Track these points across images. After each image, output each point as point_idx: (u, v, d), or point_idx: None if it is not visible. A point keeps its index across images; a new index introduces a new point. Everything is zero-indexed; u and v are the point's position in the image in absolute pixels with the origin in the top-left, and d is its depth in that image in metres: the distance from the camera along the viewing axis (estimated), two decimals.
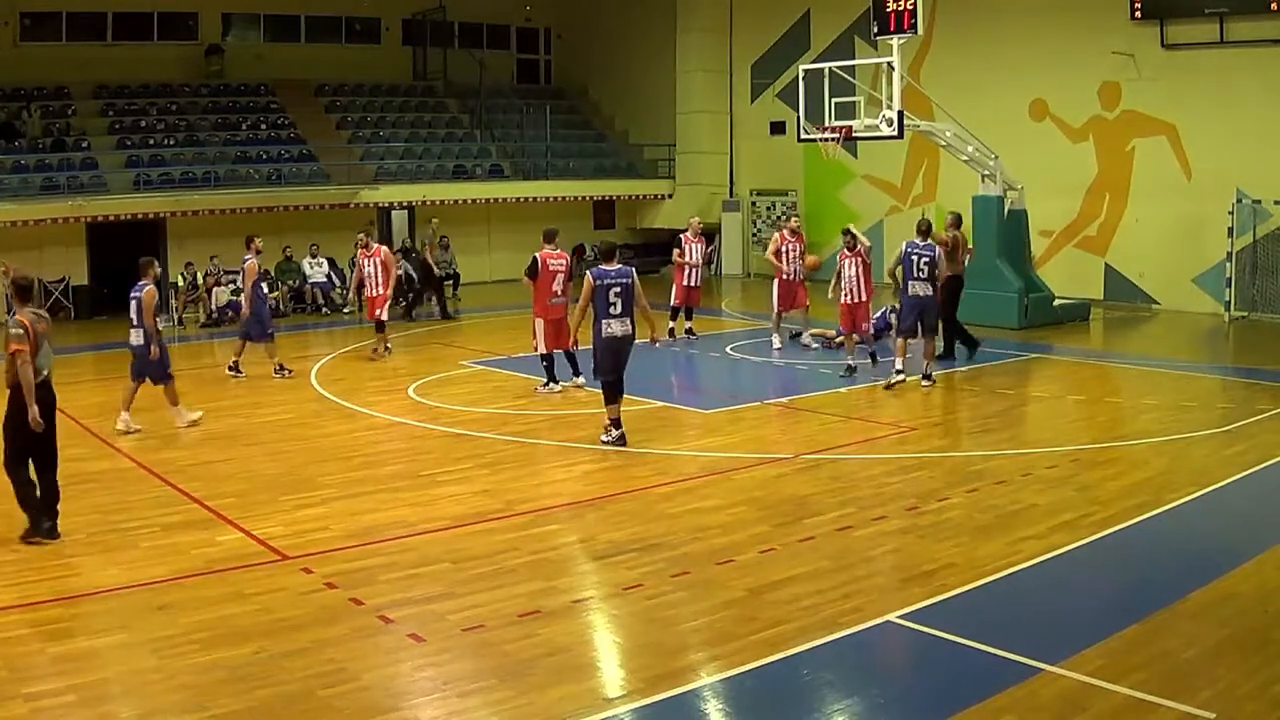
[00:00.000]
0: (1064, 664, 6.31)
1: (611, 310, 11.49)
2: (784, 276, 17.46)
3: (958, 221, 16.61)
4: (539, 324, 14.31)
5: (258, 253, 16.11)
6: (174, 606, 7.45)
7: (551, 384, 14.46)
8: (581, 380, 14.37)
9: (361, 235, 18.09)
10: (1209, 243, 20.76)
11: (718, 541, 8.72)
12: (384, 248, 18.04)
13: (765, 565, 8.16)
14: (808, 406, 13.73)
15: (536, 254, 14.33)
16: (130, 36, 27.19)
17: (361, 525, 9.26)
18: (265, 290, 16.50)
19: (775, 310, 17.63)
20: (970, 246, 17.87)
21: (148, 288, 12.69)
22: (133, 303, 12.75)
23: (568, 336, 14.19)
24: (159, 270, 13.27)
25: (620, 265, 11.77)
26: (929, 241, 14.52)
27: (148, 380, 12.81)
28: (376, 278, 17.40)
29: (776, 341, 17.63)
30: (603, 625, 7.34)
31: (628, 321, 11.60)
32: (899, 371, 14.55)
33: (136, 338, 12.79)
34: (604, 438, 11.73)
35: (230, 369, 16.07)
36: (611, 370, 11.62)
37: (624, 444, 11.63)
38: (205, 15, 28.34)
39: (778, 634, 6.88)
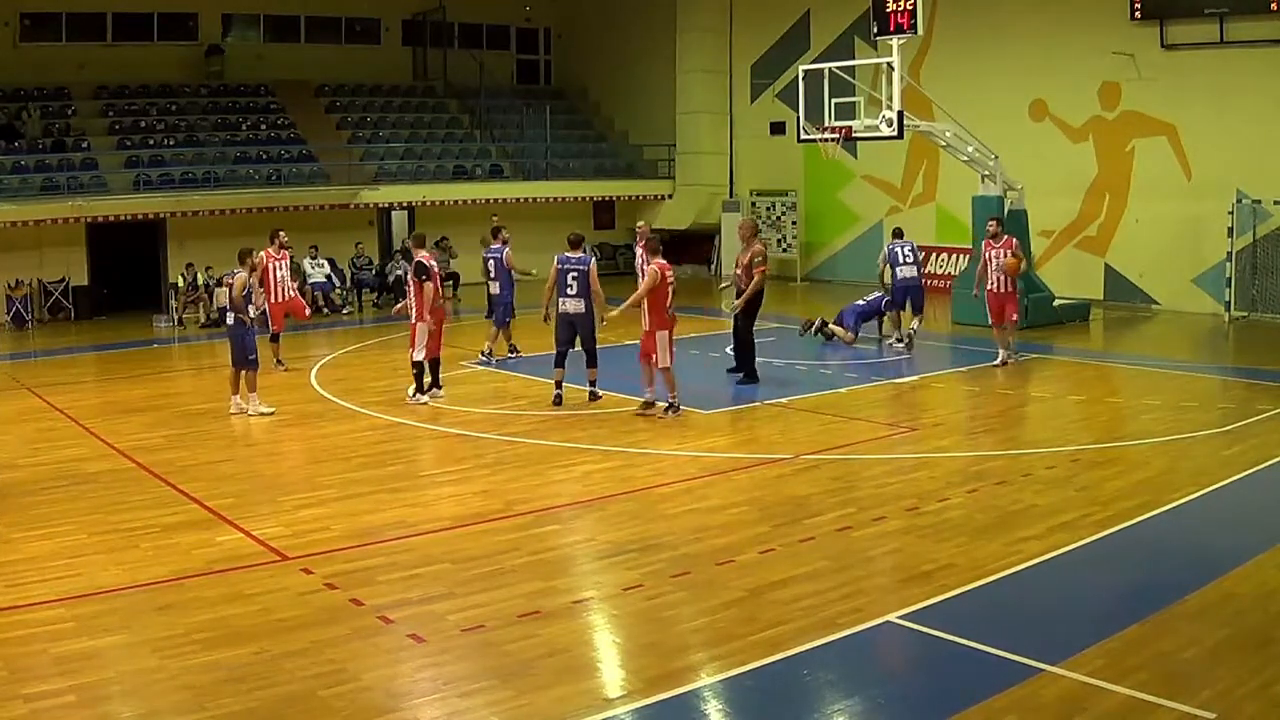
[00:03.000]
0: (1064, 664, 6.31)
1: (567, 290, 13.42)
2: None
3: (755, 229, 16.54)
4: (420, 329, 13.79)
5: (505, 243, 16.62)
6: (174, 607, 7.46)
7: (419, 394, 14.01)
8: (441, 394, 14.17)
9: (283, 234, 17.20)
10: (1209, 243, 20.76)
11: (718, 542, 8.71)
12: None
13: (765, 565, 8.16)
14: (808, 407, 13.73)
15: (424, 258, 14.02)
16: (130, 37, 27.21)
17: (361, 526, 9.26)
18: (512, 277, 16.80)
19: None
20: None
21: (239, 274, 13.53)
22: (227, 289, 13.74)
23: (438, 343, 14.24)
24: (256, 259, 13.98)
25: (581, 254, 13.51)
26: (906, 239, 18.08)
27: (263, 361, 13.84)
28: (287, 283, 16.83)
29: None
30: (603, 626, 7.33)
31: (581, 301, 13.40)
32: (899, 340, 17.58)
33: (230, 320, 13.65)
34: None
35: (511, 351, 17.13)
36: (564, 342, 13.58)
37: (559, 404, 13.53)
38: (205, 15, 28.35)
39: (778, 634, 6.88)
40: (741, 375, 15.06)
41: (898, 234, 18.36)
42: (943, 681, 6.37)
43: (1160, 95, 21.62)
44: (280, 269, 16.73)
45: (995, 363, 16.03)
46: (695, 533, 8.94)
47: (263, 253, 16.52)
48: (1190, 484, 10.09)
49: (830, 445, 11.82)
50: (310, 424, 13.41)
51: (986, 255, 16.31)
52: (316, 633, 7.00)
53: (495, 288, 16.84)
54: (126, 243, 24.35)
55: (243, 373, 13.57)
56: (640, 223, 18.99)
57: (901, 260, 17.58)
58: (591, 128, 33.30)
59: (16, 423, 13.53)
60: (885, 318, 18.37)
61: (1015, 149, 21.22)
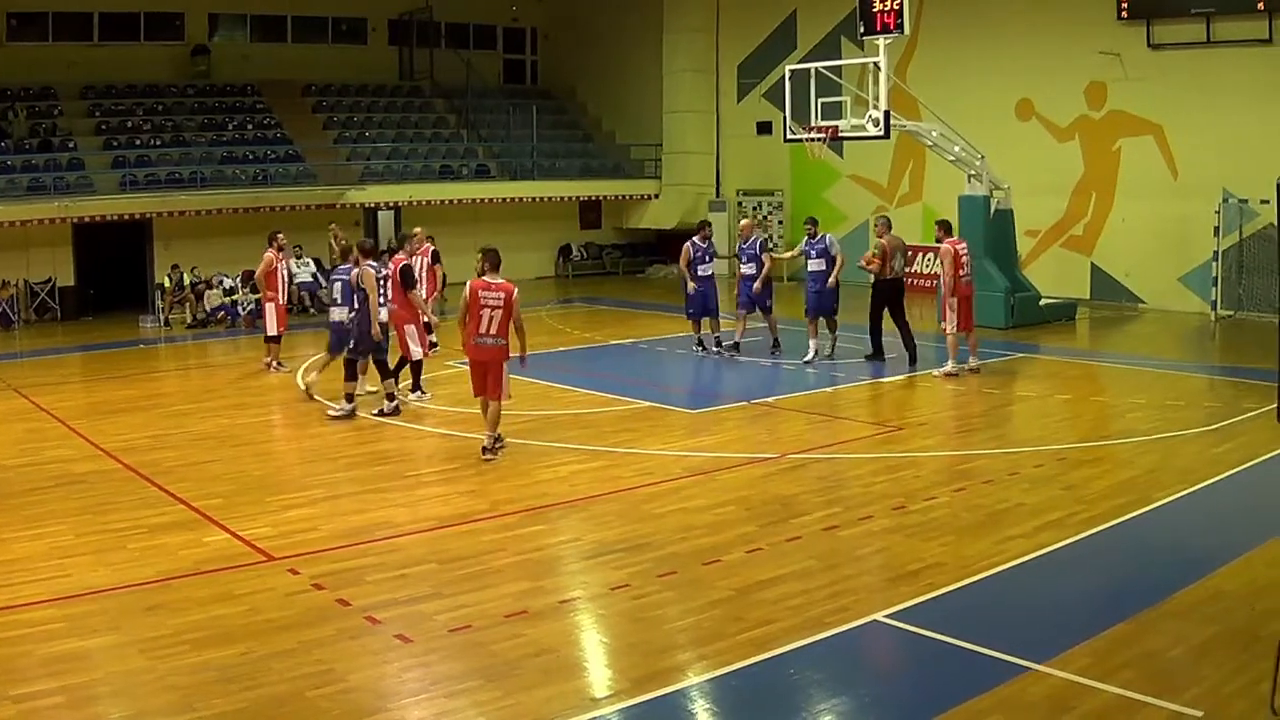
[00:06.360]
0: (1051, 663, 6.33)
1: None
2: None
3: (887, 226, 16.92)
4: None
5: (707, 239, 17.08)
6: (163, 607, 7.44)
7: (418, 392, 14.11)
8: (417, 396, 14.06)
9: (281, 235, 16.98)
10: (1195, 242, 20.86)
11: (704, 541, 8.72)
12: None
13: (752, 565, 8.17)
14: (794, 406, 13.75)
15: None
16: (116, 36, 27.14)
17: (349, 526, 9.24)
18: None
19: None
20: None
21: (354, 270, 13.51)
22: (338, 284, 13.66)
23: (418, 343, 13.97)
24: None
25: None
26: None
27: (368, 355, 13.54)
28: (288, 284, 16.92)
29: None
30: (589, 625, 7.34)
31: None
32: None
33: (337, 314, 13.67)
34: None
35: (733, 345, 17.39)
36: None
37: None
38: (192, 15, 28.28)
39: (764, 634, 6.89)
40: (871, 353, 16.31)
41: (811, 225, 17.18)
42: (929, 680, 6.38)
43: (1147, 95, 21.71)
44: (284, 270, 16.79)
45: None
46: (682, 532, 8.95)
47: (269, 254, 16.49)
48: (1177, 482, 10.12)
49: (816, 444, 11.84)
50: (297, 424, 13.38)
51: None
52: (304, 633, 6.99)
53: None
54: (113, 243, 24.27)
55: (370, 360, 13.58)
56: (418, 229, 16.31)
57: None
58: (578, 127, 33.29)
59: (3, 424, 13.47)
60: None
61: (1002, 148, 21.29)
